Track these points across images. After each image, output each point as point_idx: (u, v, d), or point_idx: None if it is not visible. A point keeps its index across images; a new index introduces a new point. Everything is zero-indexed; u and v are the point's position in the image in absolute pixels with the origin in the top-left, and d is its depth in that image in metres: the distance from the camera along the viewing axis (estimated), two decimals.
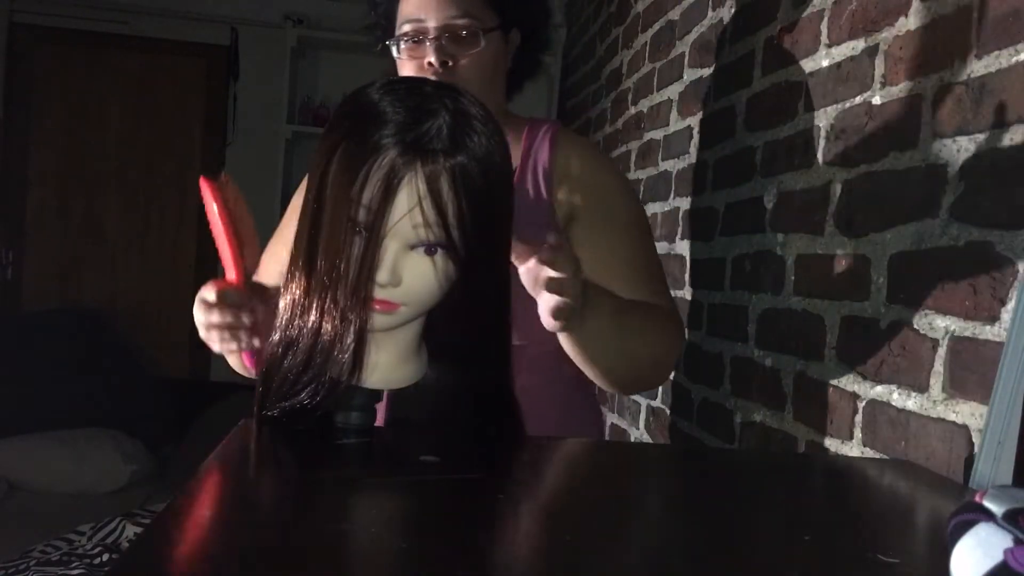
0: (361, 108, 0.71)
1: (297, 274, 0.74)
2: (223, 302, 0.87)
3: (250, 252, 0.89)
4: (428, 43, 1.07)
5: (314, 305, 0.72)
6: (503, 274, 0.78)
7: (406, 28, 1.09)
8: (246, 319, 0.87)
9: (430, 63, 1.07)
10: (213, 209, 0.85)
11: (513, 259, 0.79)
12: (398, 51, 1.11)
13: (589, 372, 0.98)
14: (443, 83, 0.75)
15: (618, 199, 1.12)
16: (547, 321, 0.81)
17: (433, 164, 0.69)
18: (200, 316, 0.89)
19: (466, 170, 0.70)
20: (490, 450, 0.79)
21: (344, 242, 0.70)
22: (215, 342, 0.90)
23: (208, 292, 0.87)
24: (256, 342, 0.88)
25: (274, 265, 1.07)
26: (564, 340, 0.92)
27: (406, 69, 1.10)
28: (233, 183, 0.88)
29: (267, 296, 0.88)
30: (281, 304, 0.76)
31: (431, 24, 1.07)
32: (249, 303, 0.87)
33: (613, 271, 1.01)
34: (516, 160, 1.09)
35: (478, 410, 0.80)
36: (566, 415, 1.14)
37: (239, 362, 0.96)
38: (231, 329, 0.88)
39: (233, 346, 0.89)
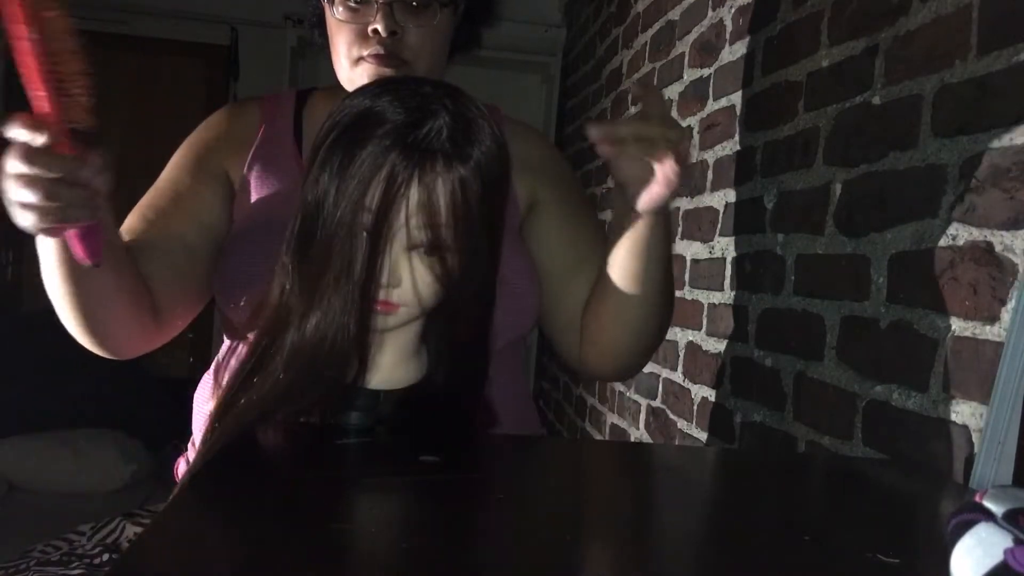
0: (360, 109, 0.71)
1: (294, 276, 0.74)
2: (41, 140, 0.61)
3: (76, 106, 0.63)
4: (376, 8, 0.97)
5: (315, 307, 0.72)
6: (495, 273, 0.78)
7: None
8: (82, 170, 0.63)
9: (375, 30, 0.97)
10: (21, 30, 0.60)
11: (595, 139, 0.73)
12: (335, 12, 0.99)
13: (630, 316, 0.88)
14: (442, 83, 0.75)
15: (575, 188, 1.14)
16: (656, 192, 0.75)
17: (434, 165, 0.69)
18: (9, 168, 0.63)
19: (466, 170, 0.70)
20: (489, 449, 0.79)
21: (345, 244, 0.70)
22: (32, 210, 0.65)
23: (16, 129, 0.61)
24: (94, 212, 0.66)
25: (138, 215, 1.01)
26: (643, 235, 0.81)
27: (343, 33, 1.00)
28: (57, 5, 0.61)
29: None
30: (274, 306, 0.75)
31: None
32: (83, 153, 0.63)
33: (590, 262, 1.00)
34: None
35: (465, 408, 0.80)
36: (524, 411, 1.05)
37: (58, 250, 0.72)
38: (53, 188, 0.63)
39: (57, 216, 0.65)
